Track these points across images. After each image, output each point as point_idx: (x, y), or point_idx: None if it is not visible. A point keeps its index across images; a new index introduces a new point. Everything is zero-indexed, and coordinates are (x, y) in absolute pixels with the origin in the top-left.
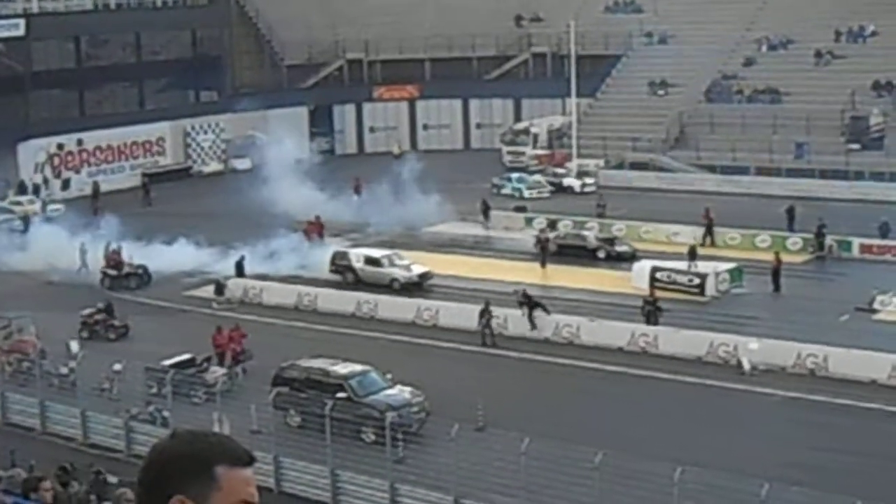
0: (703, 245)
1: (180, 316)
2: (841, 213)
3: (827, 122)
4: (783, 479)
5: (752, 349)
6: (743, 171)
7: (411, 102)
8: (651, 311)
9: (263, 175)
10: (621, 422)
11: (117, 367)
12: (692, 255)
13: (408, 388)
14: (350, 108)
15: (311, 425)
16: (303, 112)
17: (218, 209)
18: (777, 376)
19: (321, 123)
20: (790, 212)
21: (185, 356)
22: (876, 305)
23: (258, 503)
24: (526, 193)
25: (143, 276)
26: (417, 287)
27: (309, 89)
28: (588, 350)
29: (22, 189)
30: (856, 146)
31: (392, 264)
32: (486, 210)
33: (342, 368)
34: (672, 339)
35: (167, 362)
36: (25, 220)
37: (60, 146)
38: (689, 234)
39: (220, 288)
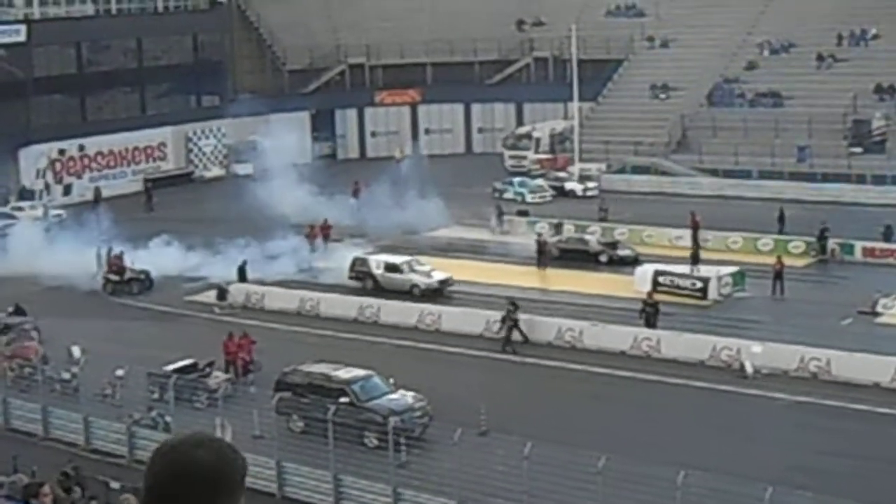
0: (692, 248)
1: (182, 321)
2: (843, 216)
3: (829, 125)
4: (786, 482)
5: (755, 353)
6: (745, 174)
7: (413, 107)
8: (651, 314)
9: (265, 180)
10: (624, 426)
11: (119, 372)
12: (695, 259)
13: (410, 393)
14: (352, 113)
15: (314, 430)
16: (304, 117)
17: (219, 214)
18: (780, 380)
19: (323, 128)
20: (781, 214)
21: (188, 361)
22: (879, 309)
23: None
24: (528, 198)
25: (145, 282)
26: (438, 293)
27: (310, 94)
28: (591, 354)
29: (24, 195)
30: (858, 150)
31: (412, 270)
32: (500, 215)
33: (345, 373)
34: (675, 343)
35: (169, 367)
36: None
37: (62, 152)
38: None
39: (222, 293)
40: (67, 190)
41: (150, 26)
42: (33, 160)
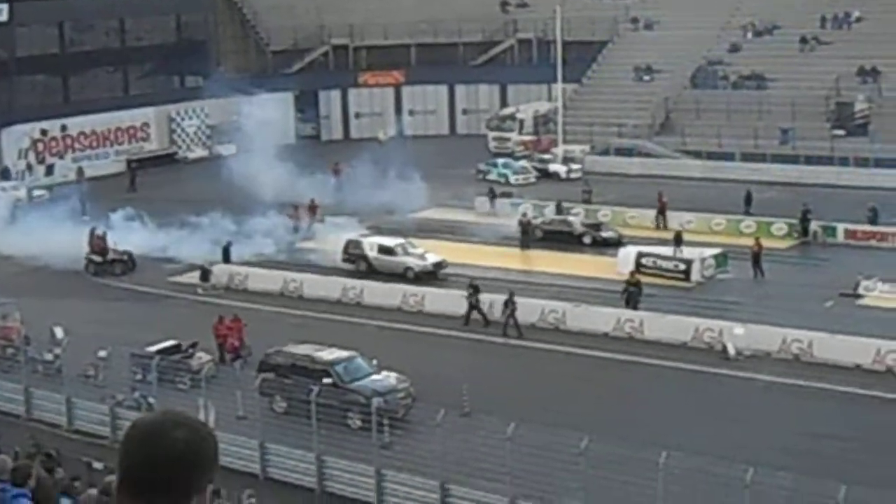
0: (657, 228)
1: (165, 302)
2: (826, 198)
3: (812, 108)
4: (768, 463)
5: (738, 334)
6: (728, 156)
7: (397, 88)
8: (632, 293)
9: (248, 161)
10: (606, 407)
11: (102, 353)
12: (678, 240)
13: (393, 374)
14: (335, 94)
15: (297, 411)
16: (288, 97)
17: (202, 194)
18: (762, 361)
19: (307, 109)
20: (748, 196)
21: (171, 342)
22: (860, 291)
23: None
24: (512, 179)
25: (127, 263)
26: (432, 276)
27: (294, 75)
28: (573, 335)
29: (5, 175)
30: (841, 132)
31: (406, 253)
32: (492, 197)
33: (328, 354)
34: (657, 325)
35: (152, 348)
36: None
37: (44, 132)
38: (676, 220)
39: (205, 274)
40: (50, 170)
41: (133, 6)
42: (15, 140)
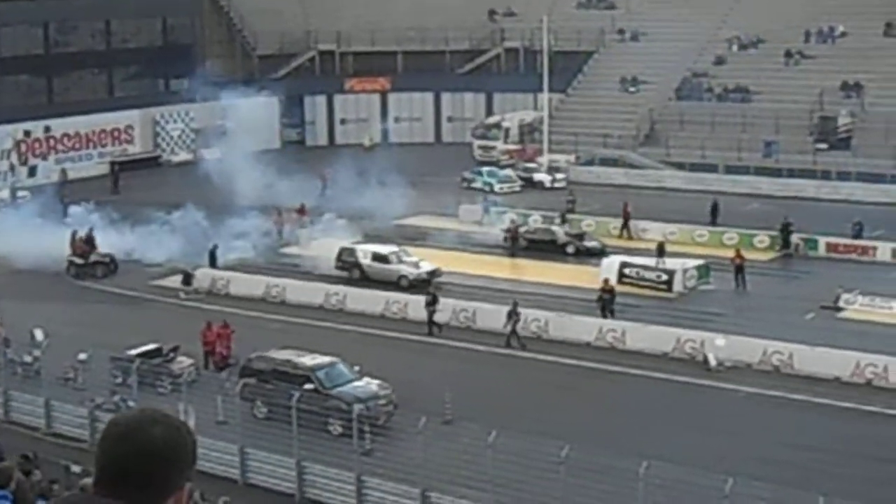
0: (619, 237)
1: (147, 305)
2: (807, 211)
3: (796, 121)
4: (747, 474)
5: (719, 345)
6: (712, 168)
7: (383, 95)
8: (607, 301)
9: (233, 165)
10: (588, 416)
11: (82, 356)
12: (660, 251)
13: (375, 381)
14: (321, 100)
15: (278, 416)
16: (274, 102)
17: (185, 198)
18: (743, 373)
19: (292, 114)
20: (714, 206)
21: (152, 346)
22: (841, 304)
23: None
24: (496, 188)
25: (109, 265)
26: (426, 284)
27: (280, 80)
28: (556, 345)
29: None
30: (823, 146)
31: (400, 261)
32: (487, 207)
33: (309, 360)
34: (639, 335)
35: (133, 352)
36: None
37: (27, 133)
38: (658, 231)
39: (187, 278)
40: (32, 171)
41: (118, 8)
42: None
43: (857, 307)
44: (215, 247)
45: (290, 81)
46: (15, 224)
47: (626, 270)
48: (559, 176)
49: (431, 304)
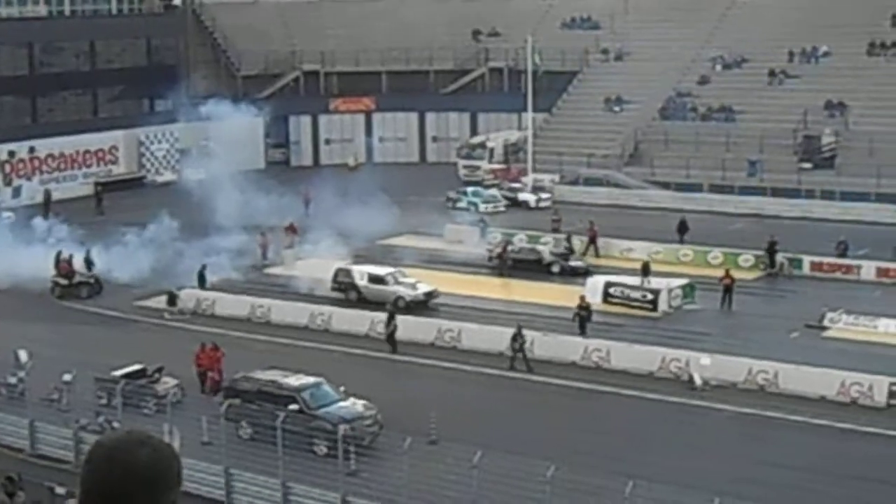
0: (584, 254)
1: (132, 326)
2: (792, 230)
3: (780, 140)
4: (733, 493)
5: (704, 365)
6: (696, 188)
7: (367, 115)
8: (583, 318)
9: (217, 185)
10: (573, 436)
11: (67, 377)
12: (645, 271)
13: (361, 401)
14: (306, 120)
15: (263, 437)
16: (258, 123)
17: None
18: (728, 392)
19: (277, 134)
20: (682, 223)
21: (136, 366)
22: (826, 323)
23: None
24: (481, 207)
25: (94, 286)
26: (423, 306)
27: (265, 100)
28: (541, 364)
29: None
30: (808, 165)
31: (397, 282)
32: (483, 228)
33: (294, 380)
34: (625, 354)
35: (118, 373)
36: None
37: (12, 153)
38: (644, 250)
39: (172, 298)
40: (17, 192)
41: (103, 29)
42: None
43: (842, 326)
44: (204, 267)
45: (274, 102)
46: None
47: (612, 290)
48: (544, 195)
49: (389, 321)
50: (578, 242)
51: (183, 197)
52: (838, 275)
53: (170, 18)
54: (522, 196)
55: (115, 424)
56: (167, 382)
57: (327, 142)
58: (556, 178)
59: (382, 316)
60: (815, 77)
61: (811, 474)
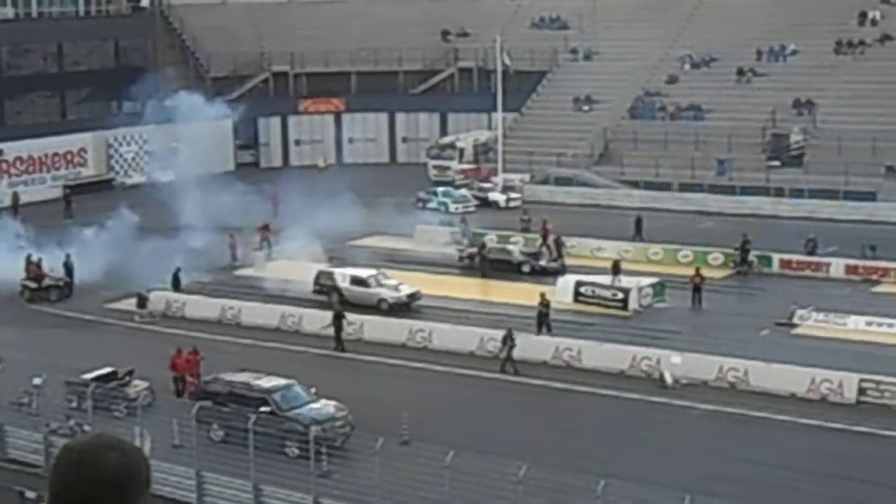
0: (538, 253)
1: (102, 329)
2: (761, 228)
3: (748, 139)
4: (705, 491)
5: (675, 363)
6: (666, 186)
7: (337, 116)
8: (544, 314)
9: (186, 187)
10: (545, 435)
11: (37, 380)
12: (615, 270)
13: (332, 402)
14: (275, 121)
15: (234, 439)
16: (227, 124)
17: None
18: (699, 390)
19: (246, 136)
20: (638, 222)
21: (107, 369)
22: (795, 320)
23: None
24: (451, 208)
25: (63, 289)
26: (406, 308)
27: (234, 101)
28: (513, 364)
29: None
30: (776, 163)
31: (379, 284)
32: (465, 231)
33: (266, 382)
34: (595, 353)
35: (88, 376)
36: None
37: None
38: (614, 249)
39: (142, 301)
40: None
41: (70, 31)
42: None
43: (812, 323)
44: (178, 269)
45: (243, 103)
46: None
47: (582, 289)
48: (514, 195)
49: (338, 319)
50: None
51: (152, 199)
52: (807, 272)
53: (138, 20)
54: (493, 196)
55: (86, 428)
56: (138, 385)
57: (297, 143)
58: (526, 177)
59: (353, 317)
60: (783, 75)
61: (782, 471)
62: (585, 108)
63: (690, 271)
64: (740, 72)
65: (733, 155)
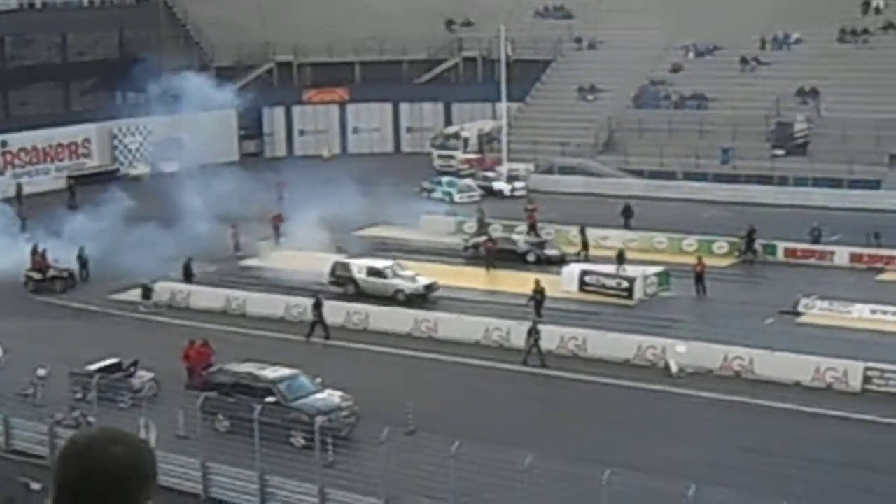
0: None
1: (106, 319)
2: (765, 217)
3: (752, 127)
4: (710, 480)
5: (680, 352)
6: (670, 175)
7: (341, 105)
8: (538, 301)
9: (190, 178)
10: (550, 424)
11: (41, 371)
12: (620, 258)
13: (337, 392)
14: (279, 111)
15: (240, 430)
16: (231, 115)
17: (142, 211)
18: (704, 378)
19: (250, 126)
20: (626, 209)
21: (111, 360)
22: (800, 308)
23: None
24: (456, 197)
25: (68, 280)
26: (423, 299)
27: (238, 91)
28: (517, 353)
29: None
30: (780, 152)
31: (396, 275)
32: (482, 219)
33: (271, 372)
34: (600, 342)
35: (92, 367)
36: None
37: None
38: (618, 238)
39: (147, 291)
40: None
41: (75, 21)
42: None
43: (816, 312)
44: (190, 260)
45: (248, 93)
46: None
47: (587, 278)
48: (518, 185)
49: (317, 307)
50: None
51: (156, 190)
52: (812, 261)
53: (142, 10)
54: (497, 185)
55: (91, 419)
56: (143, 376)
57: (301, 133)
58: (531, 167)
59: (358, 307)
60: (787, 64)
61: (787, 459)
62: (590, 97)
63: (694, 260)
64: (744, 60)
65: (737, 143)
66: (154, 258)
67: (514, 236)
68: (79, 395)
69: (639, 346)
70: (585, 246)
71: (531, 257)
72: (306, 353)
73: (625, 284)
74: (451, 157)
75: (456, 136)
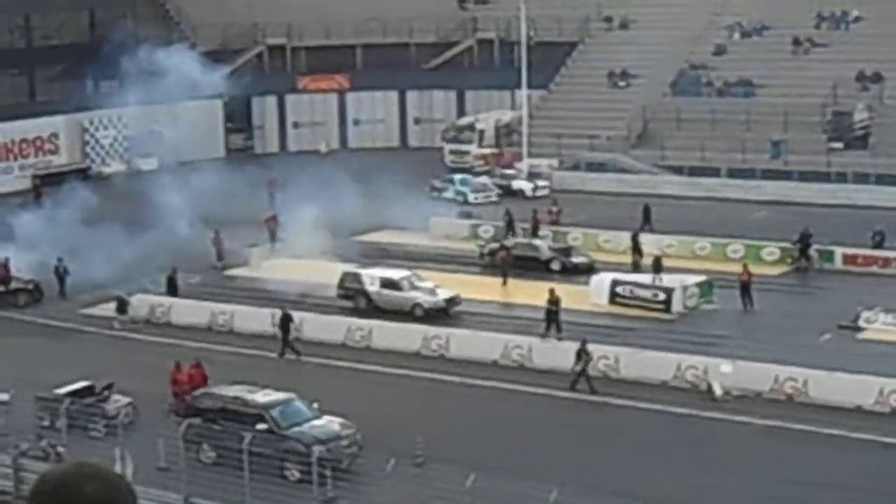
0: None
1: (77, 337)
2: (821, 219)
3: (806, 117)
4: None
5: (725, 372)
6: (713, 172)
7: (341, 94)
8: (553, 312)
9: (171, 176)
10: (577, 454)
11: (4, 396)
12: (657, 267)
13: (337, 419)
14: (271, 101)
15: (228, 461)
16: (217, 105)
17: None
18: (752, 402)
19: (238, 118)
20: (646, 210)
21: (83, 384)
22: (861, 323)
23: None
24: (471, 198)
25: (33, 292)
26: (444, 314)
27: (224, 79)
28: (541, 374)
29: None
30: (838, 145)
31: (413, 287)
32: (510, 223)
33: (262, 397)
34: (635, 362)
35: (62, 391)
36: None
37: None
38: (654, 244)
39: (122, 305)
40: None
41: (40, 1)
42: None
43: (879, 326)
44: (174, 271)
45: (235, 81)
46: None
47: (619, 289)
48: (541, 183)
49: (285, 321)
50: (521, 230)
51: (133, 190)
52: (874, 269)
53: None
54: (517, 184)
55: (60, 449)
56: (118, 401)
57: (295, 125)
58: (555, 163)
59: (361, 322)
60: (846, 45)
61: (846, 493)
62: (621, 83)
63: (740, 268)
64: (797, 41)
65: (789, 136)
66: (130, 268)
67: (537, 241)
68: (46, 423)
69: (678, 365)
70: (639, 251)
71: (556, 265)
72: (302, 374)
73: (662, 296)
74: (465, 152)
75: (470, 128)
